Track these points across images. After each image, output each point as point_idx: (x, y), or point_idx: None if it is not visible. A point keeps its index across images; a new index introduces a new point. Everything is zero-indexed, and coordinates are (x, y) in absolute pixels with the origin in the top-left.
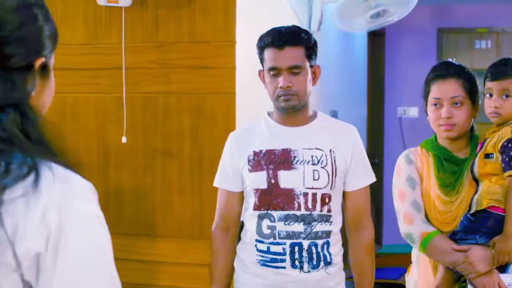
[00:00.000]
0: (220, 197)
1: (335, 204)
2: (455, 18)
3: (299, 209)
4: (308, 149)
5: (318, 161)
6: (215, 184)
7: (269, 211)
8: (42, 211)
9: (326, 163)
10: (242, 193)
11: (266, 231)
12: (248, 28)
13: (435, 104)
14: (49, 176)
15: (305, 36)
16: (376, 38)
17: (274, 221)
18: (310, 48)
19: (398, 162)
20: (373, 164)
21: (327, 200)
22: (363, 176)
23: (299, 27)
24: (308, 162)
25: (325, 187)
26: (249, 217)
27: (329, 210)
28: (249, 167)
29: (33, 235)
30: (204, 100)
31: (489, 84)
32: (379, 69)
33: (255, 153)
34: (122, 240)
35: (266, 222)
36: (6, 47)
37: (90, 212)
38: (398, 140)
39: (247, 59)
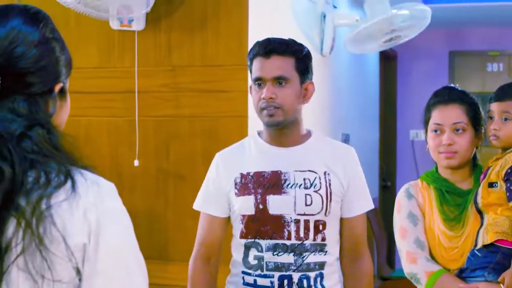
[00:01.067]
0: (202, 222)
1: (331, 232)
2: (467, 41)
3: (289, 238)
4: (300, 171)
5: (311, 185)
6: (195, 206)
7: (256, 240)
8: (83, 211)
9: (320, 187)
10: (226, 219)
11: (253, 262)
12: None
13: (436, 130)
14: (83, 181)
15: (296, 47)
16: (388, 61)
17: (261, 251)
18: (301, 61)
19: (398, 197)
20: (385, 187)
21: (321, 228)
22: (360, 201)
23: (294, 40)
24: (300, 185)
25: (318, 213)
26: (236, 246)
27: (323, 239)
28: (236, 191)
29: (78, 231)
30: (216, 124)
31: (491, 105)
32: (391, 92)
33: (242, 176)
34: None
35: (253, 252)
36: (29, 76)
37: (119, 208)
38: (410, 163)
39: None
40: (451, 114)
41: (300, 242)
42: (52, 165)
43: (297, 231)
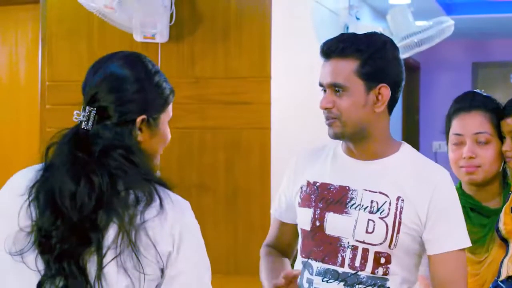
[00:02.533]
0: (272, 224)
1: (399, 268)
2: (490, 52)
3: (342, 265)
4: (370, 191)
5: (378, 210)
6: (271, 210)
7: (309, 260)
8: (170, 225)
9: (388, 214)
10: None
11: (305, 285)
12: (284, 64)
13: (456, 142)
14: (168, 199)
15: (362, 46)
16: (411, 72)
17: (312, 274)
18: (368, 62)
19: None
20: None
21: (383, 261)
22: (447, 237)
23: (369, 35)
24: (365, 208)
25: (380, 243)
26: (297, 262)
27: (385, 273)
28: (300, 200)
29: (165, 241)
30: (239, 135)
31: (508, 120)
32: (414, 103)
33: (308, 184)
34: None
35: (306, 274)
36: (109, 110)
37: (195, 223)
38: None
39: (282, 95)
40: (472, 123)
41: (353, 272)
42: (133, 179)
43: (353, 259)
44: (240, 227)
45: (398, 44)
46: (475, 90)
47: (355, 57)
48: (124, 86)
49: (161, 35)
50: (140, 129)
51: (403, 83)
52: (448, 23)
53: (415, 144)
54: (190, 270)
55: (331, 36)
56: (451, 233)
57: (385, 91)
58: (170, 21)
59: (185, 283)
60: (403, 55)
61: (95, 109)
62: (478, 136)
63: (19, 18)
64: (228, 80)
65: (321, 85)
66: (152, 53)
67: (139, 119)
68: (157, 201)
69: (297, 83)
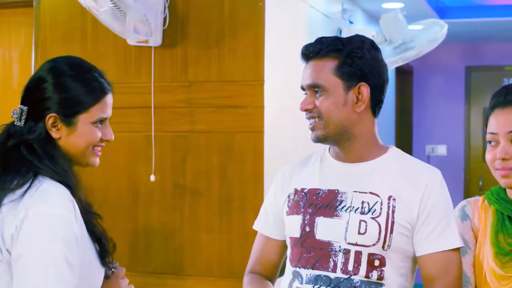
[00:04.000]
0: (257, 242)
1: (394, 272)
2: (484, 56)
3: (334, 270)
4: (360, 192)
5: (369, 210)
6: (254, 226)
7: (297, 269)
8: (19, 210)
9: (380, 214)
10: (283, 242)
11: None
12: (277, 68)
13: (490, 141)
14: (35, 187)
15: (339, 46)
16: (404, 76)
17: (301, 283)
18: (346, 61)
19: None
20: None
21: (377, 264)
22: (437, 237)
23: (350, 36)
24: (356, 209)
25: (373, 245)
26: (286, 273)
27: (380, 278)
28: (287, 209)
29: (10, 224)
30: (232, 139)
31: (490, 121)
32: (407, 107)
33: (296, 192)
34: (151, 279)
35: (295, 283)
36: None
37: (49, 214)
38: None
39: (275, 98)
40: (507, 120)
41: (347, 277)
42: (20, 168)
43: (345, 263)
44: (233, 231)
45: (395, 58)
46: (511, 84)
47: (333, 57)
48: (40, 86)
49: (155, 39)
50: (56, 127)
51: (386, 84)
52: (442, 29)
53: (408, 148)
54: (29, 256)
55: None
56: (441, 233)
57: (365, 90)
58: (164, 25)
59: (23, 267)
60: (398, 64)
61: (25, 107)
62: None
63: (12, 21)
64: (221, 84)
65: (302, 88)
66: (145, 57)
67: (47, 118)
68: (24, 188)
69: (290, 87)
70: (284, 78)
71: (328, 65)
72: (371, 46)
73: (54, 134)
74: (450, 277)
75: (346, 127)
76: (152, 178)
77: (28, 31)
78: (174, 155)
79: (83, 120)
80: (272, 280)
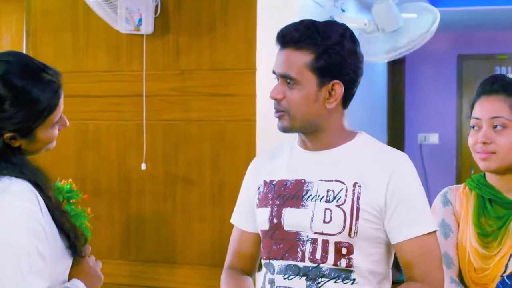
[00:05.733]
0: (233, 235)
1: (364, 259)
2: (475, 45)
3: (302, 259)
4: (325, 180)
5: (334, 198)
6: (231, 219)
7: (270, 260)
8: None
9: (345, 201)
10: (258, 235)
11: (267, 286)
12: (269, 56)
13: (473, 126)
14: None
15: (318, 38)
16: (396, 65)
17: (273, 273)
18: (323, 56)
19: (434, 202)
20: None
21: (344, 252)
22: (412, 223)
23: (327, 25)
24: (321, 198)
25: (339, 233)
26: (262, 266)
27: (349, 265)
28: (257, 202)
29: None
30: (224, 128)
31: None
32: (399, 96)
33: (265, 184)
34: (143, 267)
35: (268, 275)
36: None
37: (9, 206)
38: (418, 167)
39: (267, 87)
40: (490, 107)
41: (315, 265)
42: None
43: (313, 252)
44: (225, 220)
45: (387, 51)
46: (499, 74)
47: (310, 50)
48: (2, 99)
49: (146, 27)
50: (15, 139)
51: (360, 78)
52: (435, 23)
53: (401, 136)
54: (0, 250)
55: None
56: (414, 218)
57: (338, 88)
58: (155, 13)
59: None
60: (392, 58)
61: None
62: (494, 121)
63: (2, 9)
64: (213, 72)
65: (274, 73)
66: (137, 45)
67: (5, 135)
68: None
69: None
70: None
71: (303, 58)
72: (351, 40)
73: (14, 144)
74: (429, 261)
75: (313, 122)
76: (143, 166)
77: (19, 18)
78: (166, 143)
79: (42, 129)
80: (251, 272)
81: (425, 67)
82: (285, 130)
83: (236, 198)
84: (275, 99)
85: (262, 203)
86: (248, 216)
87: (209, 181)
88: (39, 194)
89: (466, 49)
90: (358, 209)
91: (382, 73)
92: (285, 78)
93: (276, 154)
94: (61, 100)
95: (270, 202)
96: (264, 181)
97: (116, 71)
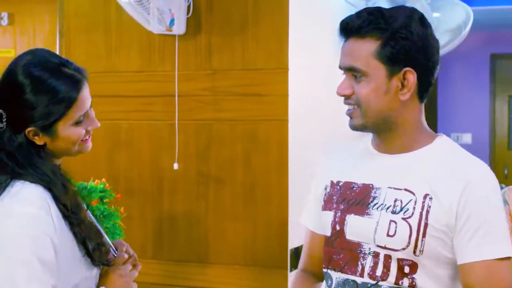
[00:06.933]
0: (305, 236)
1: (428, 280)
2: (508, 44)
3: (361, 274)
4: (394, 188)
5: (401, 209)
6: (301, 220)
7: (328, 270)
8: None
9: (412, 214)
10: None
11: None
12: (301, 55)
13: None
14: (8, 190)
15: (382, 24)
16: None
17: (330, 286)
18: (390, 43)
19: None
20: None
21: (407, 270)
22: (479, 243)
23: (395, 8)
24: (387, 208)
25: (403, 249)
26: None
27: (412, 285)
28: (323, 203)
29: None
30: (256, 127)
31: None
32: (432, 95)
33: (332, 184)
34: (175, 267)
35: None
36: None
37: (14, 213)
38: None
39: (299, 86)
40: None
41: (374, 283)
42: (2, 175)
43: (374, 267)
44: (257, 220)
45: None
46: None
47: (375, 37)
48: (18, 96)
49: (179, 28)
50: (38, 135)
51: (437, 66)
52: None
53: None
54: None
55: None
56: (484, 239)
57: (411, 77)
58: (188, 13)
59: None
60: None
61: (4, 112)
62: None
63: (36, 10)
64: (245, 72)
65: (340, 68)
66: (169, 45)
67: (27, 131)
68: None
69: (314, 75)
70: (308, 66)
71: (368, 46)
72: (419, 23)
73: (37, 141)
74: None
75: (388, 117)
76: (176, 166)
77: (53, 19)
78: (198, 143)
79: (63, 125)
80: (323, 275)
81: (457, 66)
82: (356, 128)
83: (268, 197)
84: (343, 95)
85: (327, 205)
86: (317, 216)
87: (241, 180)
88: (54, 200)
89: (499, 48)
90: (426, 224)
91: None
92: (351, 71)
93: (347, 152)
94: (83, 95)
95: (335, 205)
96: (331, 181)
97: (148, 71)
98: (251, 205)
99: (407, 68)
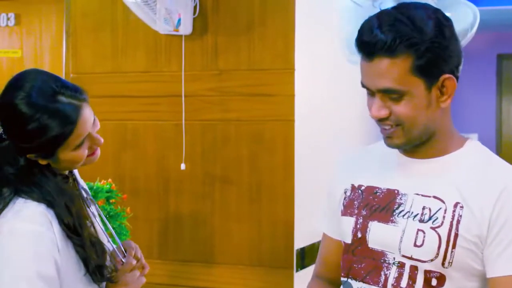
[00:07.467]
0: (321, 240)
1: None
2: None
3: (384, 285)
4: (422, 195)
5: (430, 218)
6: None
7: (348, 279)
8: None
9: (442, 223)
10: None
11: None
12: (308, 55)
13: None
14: (11, 208)
15: (415, 37)
16: None
17: None
18: (425, 54)
19: None
20: None
21: (434, 283)
22: (510, 256)
23: (414, 15)
24: (415, 216)
25: (431, 260)
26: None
27: None
28: (342, 208)
29: None
30: (263, 128)
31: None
32: None
33: (353, 188)
34: (180, 267)
35: None
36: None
37: (18, 231)
38: None
39: (306, 86)
40: None
41: None
42: (6, 191)
43: (398, 278)
44: (263, 220)
45: None
46: None
47: (409, 54)
48: (20, 126)
49: (185, 28)
50: (39, 158)
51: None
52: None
53: None
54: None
55: (354, 28)
56: None
57: (450, 83)
58: (194, 13)
59: None
60: None
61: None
62: None
63: (43, 11)
64: (251, 72)
65: (364, 86)
66: (175, 45)
67: (28, 156)
68: (1, 207)
69: (321, 75)
70: (314, 66)
71: (403, 65)
72: (447, 24)
73: (41, 162)
74: None
75: (430, 127)
76: (183, 166)
77: (59, 19)
78: (204, 143)
79: (63, 151)
80: (339, 282)
81: (464, 66)
82: (398, 147)
83: (274, 198)
84: (382, 120)
85: (347, 211)
86: (334, 221)
87: (247, 181)
88: (57, 219)
89: (506, 48)
90: (456, 235)
91: None
92: (386, 93)
93: (369, 154)
94: (83, 120)
95: (356, 211)
96: (352, 185)
97: (154, 72)
98: (257, 205)
99: (445, 76)
